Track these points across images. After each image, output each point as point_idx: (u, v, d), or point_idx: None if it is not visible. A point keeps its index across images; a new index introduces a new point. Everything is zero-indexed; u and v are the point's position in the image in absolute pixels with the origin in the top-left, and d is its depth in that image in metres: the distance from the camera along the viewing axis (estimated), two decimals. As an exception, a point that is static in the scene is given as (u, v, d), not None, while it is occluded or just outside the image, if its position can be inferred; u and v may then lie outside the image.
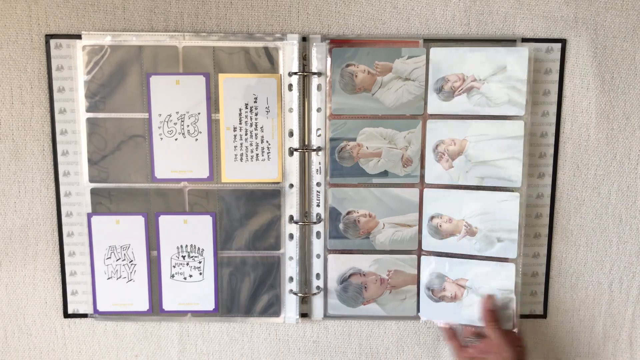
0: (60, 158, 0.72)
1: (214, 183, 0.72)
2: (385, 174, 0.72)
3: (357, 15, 0.71)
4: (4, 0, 0.70)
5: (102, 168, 0.72)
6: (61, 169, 0.72)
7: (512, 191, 0.70)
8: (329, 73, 0.70)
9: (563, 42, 0.71)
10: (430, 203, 0.72)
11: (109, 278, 0.73)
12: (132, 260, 0.73)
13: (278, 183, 0.72)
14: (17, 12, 0.70)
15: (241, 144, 0.71)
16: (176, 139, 0.71)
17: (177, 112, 0.71)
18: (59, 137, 0.71)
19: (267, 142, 0.71)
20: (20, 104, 0.71)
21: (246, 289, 0.74)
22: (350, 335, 0.77)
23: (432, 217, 0.72)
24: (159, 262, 0.73)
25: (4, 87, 0.71)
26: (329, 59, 0.70)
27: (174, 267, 0.74)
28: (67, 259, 0.74)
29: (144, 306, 0.74)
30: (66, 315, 0.75)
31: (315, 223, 0.73)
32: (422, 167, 0.72)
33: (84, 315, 0.75)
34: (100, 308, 0.74)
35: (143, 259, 0.73)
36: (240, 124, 0.71)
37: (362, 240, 0.73)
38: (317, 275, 0.74)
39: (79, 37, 0.70)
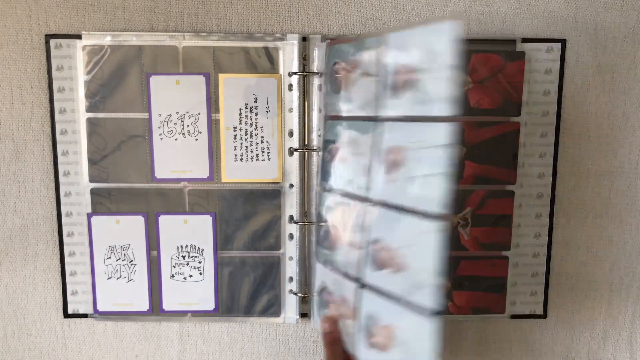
0: (60, 158, 0.72)
1: (214, 183, 0.72)
2: (350, 183, 0.63)
3: (357, 15, 0.71)
4: (4, 0, 0.70)
5: (102, 168, 0.72)
6: (61, 169, 0.72)
7: (435, 219, 0.50)
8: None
9: (563, 42, 0.71)
10: (373, 224, 0.58)
11: (109, 278, 0.73)
12: (132, 260, 0.73)
13: (278, 183, 0.72)
14: (17, 12, 0.70)
15: (241, 144, 0.71)
16: (176, 139, 0.71)
17: (177, 112, 0.71)
18: (59, 137, 0.71)
19: (267, 142, 0.71)
20: (20, 104, 0.71)
21: (246, 289, 0.74)
22: (351, 335, 0.77)
23: (375, 241, 0.57)
24: (159, 262, 0.73)
25: (4, 87, 0.71)
26: (325, 59, 0.69)
27: (174, 267, 0.74)
28: (67, 259, 0.74)
29: (144, 306, 0.74)
30: (66, 315, 0.75)
31: (314, 223, 0.73)
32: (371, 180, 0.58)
33: (84, 315, 0.75)
34: (100, 308, 0.74)
35: (143, 259, 0.73)
36: (240, 124, 0.71)
37: (329, 253, 0.68)
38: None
39: (79, 37, 0.69)
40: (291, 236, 0.73)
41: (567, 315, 0.76)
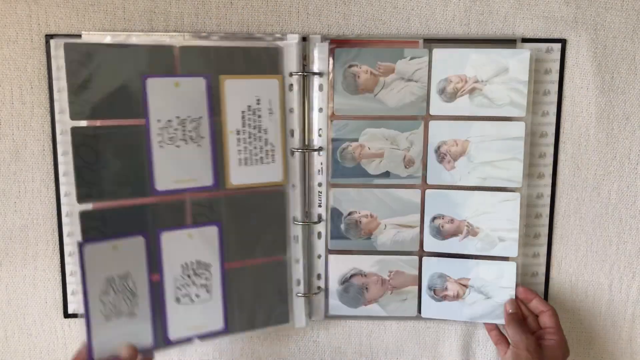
0: (60, 158, 0.72)
1: (219, 190, 0.68)
2: (387, 174, 0.72)
3: (357, 15, 0.71)
4: (4, 0, 0.69)
5: (92, 184, 0.62)
6: (61, 169, 0.72)
7: (513, 191, 0.71)
8: (330, 73, 0.70)
9: (563, 42, 0.71)
10: (432, 204, 0.72)
11: (107, 318, 0.63)
12: (132, 291, 0.64)
13: (282, 185, 0.71)
14: (17, 12, 0.70)
15: (245, 147, 0.69)
16: (178, 146, 0.65)
17: (178, 117, 0.65)
18: (59, 137, 0.71)
19: (271, 144, 0.70)
20: (20, 104, 0.71)
21: (256, 298, 0.70)
22: (350, 335, 0.77)
23: (434, 218, 0.72)
24: (162, 286, 0.65)
25: (4, 87, 0.71)
26: (330, 60, 0.70)
27: (179, 289, 0.66)
28: (67, 259, 0.74)
29: (147, 339, 0.65)
30: (66, 315, 0.75)
31: (316, 223, 0.73)
32: (424, 168, 0.72)
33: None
34: (97, 356, 0.62)
35: (144, 286, 0.65)
36: (244, 126, 0.69)
37: (363, 241, 0.73)
38: (318, 276, 0.74)
39: (79, 37, 0.69)
40: (296, 238, 0.73)
41: (567, 315, 0.76)
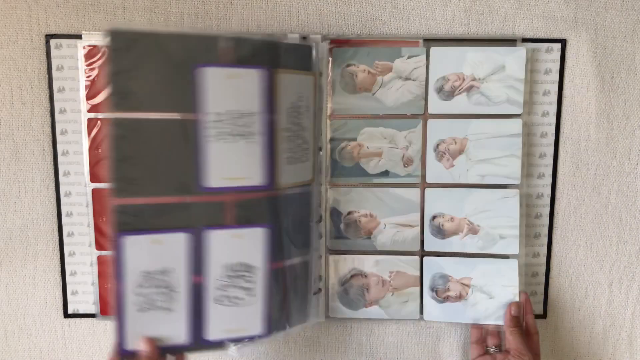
0: (60, 158, 0.72)
1: (271, 190, 0.63)
2: (386, 173, 0.72)
3: (357, 15, 0.71)
4: (4, 0, 0.70)
5: (131, 180, 0.59)
6: (61, 169, 0.72)
7: (512, 188, 0.71)
8: (329, 73, 0.70)
9: (563, 42, 0.71)
10: (431, 202, 0.72)
11: (139, 310, 0.61)
12: (170, 287, 0.62)
13: (311, 184, 0.69)
14: (17, 12, 0.70)
15: (290, 146, 0.65)
16: (228, 142, 0.60)
17: (230, 111, 0.60)
18: (59, 137, 0.71)
19: (307, 142, 0.67)
20: (20, 104, 0.71)
21: (293, 298, 0.68)
22: (351, 335, 0.77)
23: (434, 217, 0.72)
24: (203, 286, 0.62)
25: (4, 87, 0.71)
26: (329, 59, 0.70)
27: (220, 289, 0.63)
28: (67, 259, 0.74)
29: (183, 338, 0.63)
30: (66, 315, 0.75)
31: (316, 223, 0.73)
32: (423, 166, 0.72)
33: (84, 315, 0.75)
34: (129, 346, 0.61)
35: (184, 284, 0.62)
36: (288, 124, 0.64)
37: (363, 241, 0.73)
38: (319, 276, 0.74)
39: (79, 37, 0.69)
40: (320, 235, 0.72)
41: (567, 315, 0.76)
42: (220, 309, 0.63)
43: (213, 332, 0.63)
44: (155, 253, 0.60)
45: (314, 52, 0.68)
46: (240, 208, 0.62)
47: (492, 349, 0.72)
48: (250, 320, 0.64)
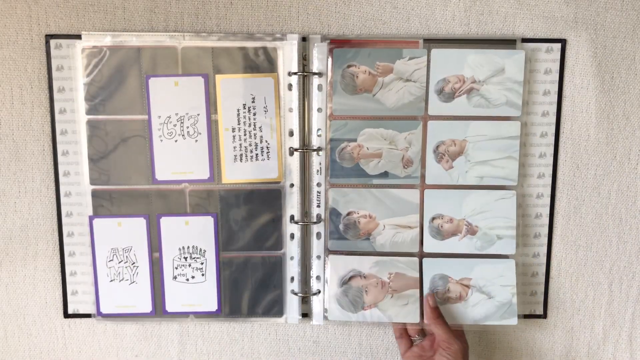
0: (60, 158, 0.72)
1: (215, 184, 0.72)
2: (385, 174, 0.72)
3: (357, 15, 0.71)
4: (4, 0, 0.70)
5: (103, 170, 0.71)
6: (61, 169, 0.72)
7: (509, 189, 0.71)
8: (329, 73, 0.70)
9: (563, 42, 0.71)
10: (431, 204, 0.72)
11: (111, 280, 0.74)
12: (134, 263, 0.74)
13: (278, 183, 0.72)
14: (17, 12, 0.70)
15: (240, 144, 0.71)
16: (176, 141, 0.71)
17: (177, 114, 0.71)
18: (59, 137, 0.71)
19: (266, 141, 0.71)
20: (20, 104, 0.71)
21: (248, 289, 0.74)
22: (350, 335, 0.77)
23: (433, 218, 0.72)
24: (161, 264, 0.74)
25: (4, 87, 0.71)
26: (329, 60, 0.70)
27: (176, 268, 0.74)
28: (67, 259, 0.74)
29: (147, 308, 0.75)
30: (66, 315, 0.75)
31: (315, 223, 0.73)
32: (423, 167, 0.72)
33: (84, 316, 0.75)
34: (103, 310, 0.74)
35: (145, 261, 0.74)
36: (239, 124, 0.71)
37: (362, 242, 0.73)
38: (318, 277, 0.74)
39: (79, 37, 0.69)
40: (292, 236, 0.73)
41: (567, 315, 0.76)
42: (179, 285, 0.74)
43: (173, 305, 0.75)
44: (120, 233, 0.73)
45: (279, 53, 0.70)
46: (191, 199, 0.73)
47: (416, 339, 0.72)
48: (205, 298, 0.74)
